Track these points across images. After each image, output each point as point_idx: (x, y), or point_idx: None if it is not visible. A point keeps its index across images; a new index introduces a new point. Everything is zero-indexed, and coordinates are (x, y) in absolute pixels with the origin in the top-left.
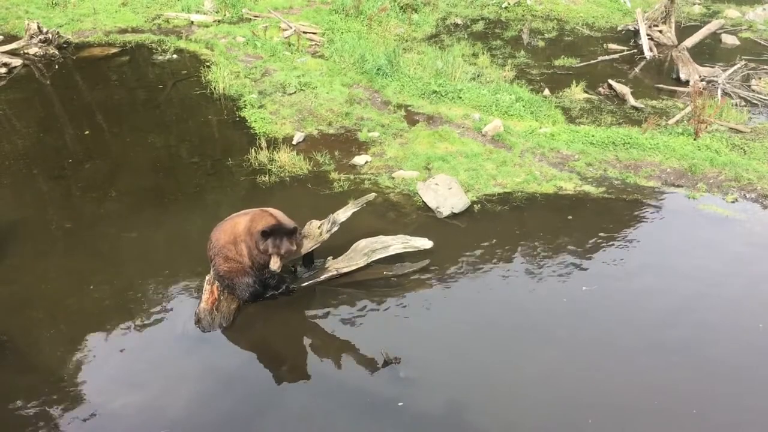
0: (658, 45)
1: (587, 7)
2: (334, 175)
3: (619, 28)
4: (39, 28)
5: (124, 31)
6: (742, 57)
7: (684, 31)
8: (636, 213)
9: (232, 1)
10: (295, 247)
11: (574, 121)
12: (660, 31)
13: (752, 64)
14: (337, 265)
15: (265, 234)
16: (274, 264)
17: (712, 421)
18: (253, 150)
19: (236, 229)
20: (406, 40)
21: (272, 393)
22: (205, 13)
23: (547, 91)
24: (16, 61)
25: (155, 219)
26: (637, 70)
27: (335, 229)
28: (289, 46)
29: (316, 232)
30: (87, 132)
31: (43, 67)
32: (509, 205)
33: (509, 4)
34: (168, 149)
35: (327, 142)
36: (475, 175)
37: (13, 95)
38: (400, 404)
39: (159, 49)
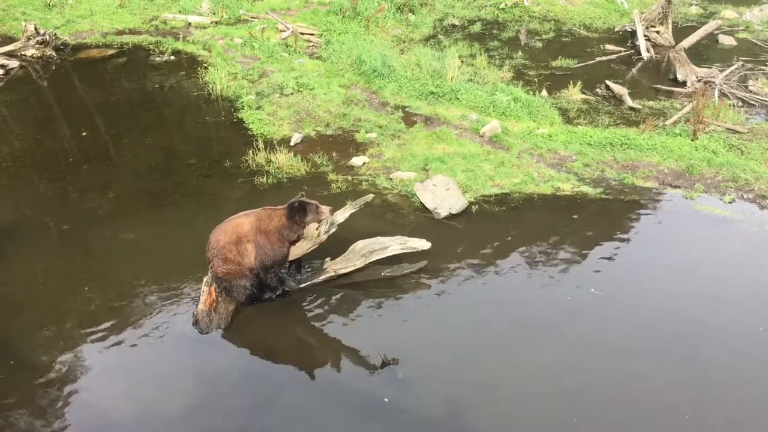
0: (655, 46)
1: (584, 8)
2: (331, 177)
3: (616, 29)
4: (36, 29)
5: (121, 33)
6: (739, 58)
7: (681, 32)
8: (633, 214)
9: (229, 2)
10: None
11: (572, 122)
12: (657, 32)
13: (749, 65)
14: (335, 267)
15: (302, 207)
16: (326, 210)
17: (707, 425)
18: (250, 151)
19: (240, 230)
20: (404, 41)
21: (270, 394)
22: (202, 15)
23: (544, 92)
24: (13, 63)
25: (153, 220)
26: (634, 70)
27: (333, 230)
28: (287, 47)
29: (314, 233)
30: (84, 133)
31: (40, 68)
32: (507, 205)
33: (506, 5)
34: (165, 151)
35: (325, 144)
36: (473, 176)
37: (10, 97)
38: (385, 400)
39: (156, 50)
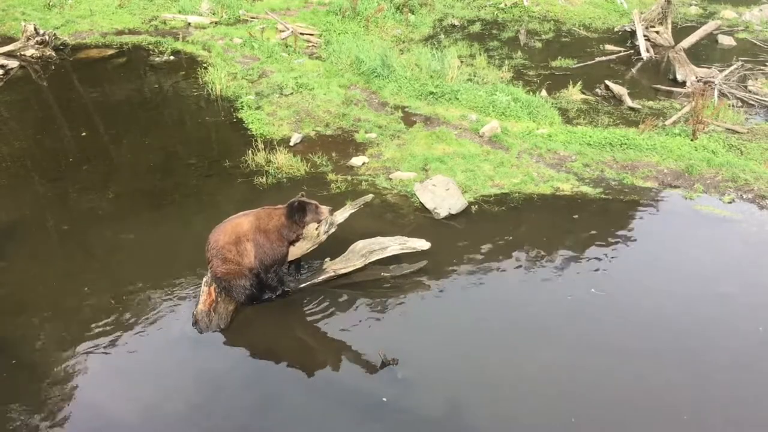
0: (654, 46)
1: (584, 9)
2: (331, 177)
3: (615, 29)
4: (36, 29)
5: (120, 33)
6: (739, 58)
7: (681, 32)
8: (633, 214)
9: (228, 2)
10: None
11: (571, 122)
12: (657, 32)
13: (749, 65)
14: (335, 267)
15: (302, 206)
16: (326, 210)
17: (707, 426)
18: (250, 151)
19: (239, 230)
20: (403, 41)
21: (269, 394)
22: (201, 15)
23: (544, 92)
24: (13, 63)
25: (152, 221)
26: (634, 71)
27: (333, 230)
28: (287, 47)
29: (314, 233)
30: (84, 133)
31: (39, 68)
32: (506, 205)
33: (506, 5)
34: (165, 151)
35: (324, 144)
36: (473, 176)
37: (9, 97)
38: (384, 399)
39: (156, 50)
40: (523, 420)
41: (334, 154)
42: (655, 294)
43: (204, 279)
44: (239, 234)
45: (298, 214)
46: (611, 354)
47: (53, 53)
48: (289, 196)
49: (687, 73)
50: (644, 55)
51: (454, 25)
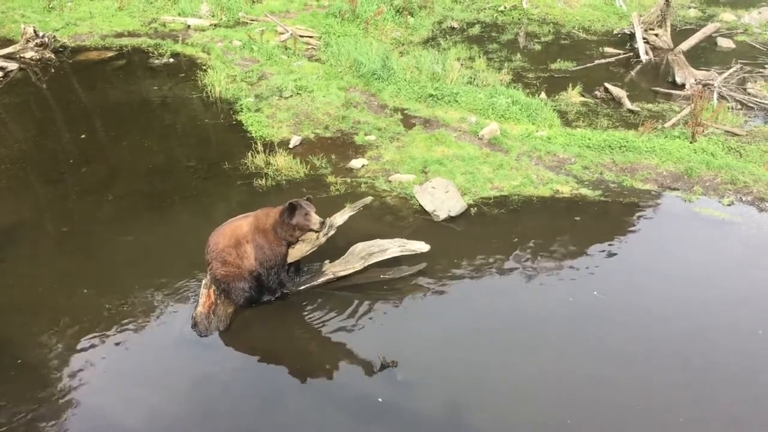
0: (654, 48)
1: (583, 11)
2: (330, 179)
3: (615, 32)
4: (35, 32)
5: (120, 35)
6: (738, 60)
7: (680, 35)
8: (632, 216)
9: (228, 4)
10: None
11: (571, 125)
12: (656, 35)
13: (748, 68)
14: (334, 269)
15: (292, 207)
16: (317, 221)
17: (707, 428)
18: (249, 154)
19: (238, 232)
20: (403, 44)
21: (269, 396)
22: (201, 17)
23: (543, 95)
24: (12, 65)
25: (152, 223)
26: (633, 73)
27: (332, 232)
28: (286, 49)
29: (313, 235)
30: (83, 136)
31: (39, 71)
32: (506, 208)
33: (505, 7)
34: (164, 153)
35: (324, 146)
36: (472, 179)
37: (9, 99)
38: (379, 400)
39: (155, 53)
40: (522, 421)
41: (333, 156)
42: (655, 296)
43: (203, 281)
44: (239, 236)
45: (287, 212)
46: (611, 356)
47: (53, 55)
48: (288, 198)
49: (686, 75)
50: (643, 57)
51: (453, 28)
